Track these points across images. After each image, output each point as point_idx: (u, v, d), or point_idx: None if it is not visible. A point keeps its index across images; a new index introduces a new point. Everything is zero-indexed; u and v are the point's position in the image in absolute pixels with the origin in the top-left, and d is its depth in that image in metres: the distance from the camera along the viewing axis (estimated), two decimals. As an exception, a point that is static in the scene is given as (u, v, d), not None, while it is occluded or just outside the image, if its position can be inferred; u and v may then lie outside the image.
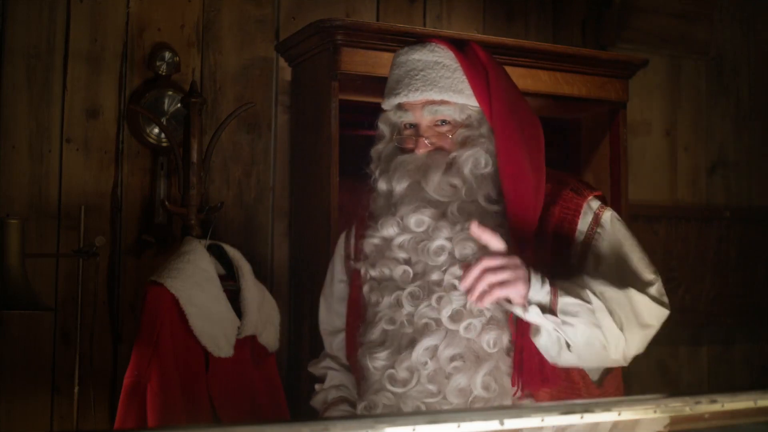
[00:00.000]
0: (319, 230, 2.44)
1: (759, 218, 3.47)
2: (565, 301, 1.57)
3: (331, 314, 1.92)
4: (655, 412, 1.14)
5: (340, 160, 2.38)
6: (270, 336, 2.21)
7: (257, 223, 2.70)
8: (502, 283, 1.53)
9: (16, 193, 2.44)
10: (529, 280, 1.56)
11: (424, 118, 1.70)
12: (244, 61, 2.71)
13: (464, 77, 1.71)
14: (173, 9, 2.63)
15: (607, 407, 1.12)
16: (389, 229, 1.68)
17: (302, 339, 2.53)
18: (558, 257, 1.70)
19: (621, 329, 1.61)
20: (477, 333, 1.60)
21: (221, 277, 2.19)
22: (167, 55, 2.57)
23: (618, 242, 1.76)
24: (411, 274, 1.65)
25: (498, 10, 3.09)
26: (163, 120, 2.53)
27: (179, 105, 2.52)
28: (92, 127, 2.53)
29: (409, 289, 1.64)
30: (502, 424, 1.05)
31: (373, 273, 1.70)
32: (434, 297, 1.61)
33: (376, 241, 1.70)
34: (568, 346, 1.58)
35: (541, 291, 1.56)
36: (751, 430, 1.24)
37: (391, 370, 1.61)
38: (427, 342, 1.60)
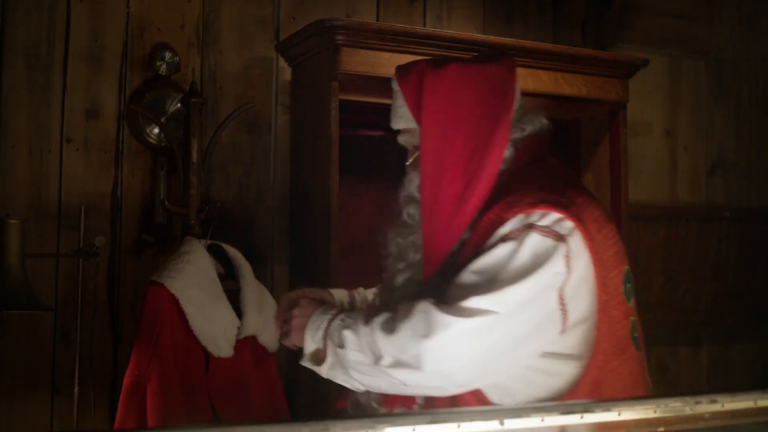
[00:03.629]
0: (319, 230, 2.44)
1: (759, 218, 3.47)
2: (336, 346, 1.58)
3: None
4: (655, 412, 1.14)
5: (340, 160, 2.38)
6: (270, 336, 2.21)
7: (257, 223, 2.70)
8: (284, 333, 1.69)
9: (16, 193, 2.44)
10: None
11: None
12: (244, 61, 2.71)
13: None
14: (173, 9, 2.63)
15: (607, 407, 1.12)
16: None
17: (302, 339, 2.53)
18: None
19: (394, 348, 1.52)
20: None
21: (221, 277, 2.19)
22: (167, 55, 2.57)
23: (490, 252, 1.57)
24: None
25: (498, 10, 3.09)
26: (163, 120, 2.53)
27: (179, 105, 2.52)
28: (92, 127, 2.53)
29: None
30: (502, 424, 1.05)
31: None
32: None
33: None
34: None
35: (315, 339, 1.61)
36: (751, 430, 1.23)
37: None
38: None
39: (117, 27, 2.57)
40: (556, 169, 1.75)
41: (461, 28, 2.98)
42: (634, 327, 1.66)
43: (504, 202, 1.60)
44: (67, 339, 2.45)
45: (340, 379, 1.61)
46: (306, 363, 1.63)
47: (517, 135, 1.71)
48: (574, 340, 1.58)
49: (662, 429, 1.15)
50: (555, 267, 1.53)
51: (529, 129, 1.74)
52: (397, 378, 1.52)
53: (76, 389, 2.33)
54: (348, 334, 1.56)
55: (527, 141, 1.73)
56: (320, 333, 1.60)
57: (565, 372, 1.58)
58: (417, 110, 1.70)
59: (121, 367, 2.48)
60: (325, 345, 1.59)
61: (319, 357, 1.61)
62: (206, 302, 2.07)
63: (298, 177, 2.68)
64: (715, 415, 1.17)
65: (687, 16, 3.33)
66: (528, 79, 2.60)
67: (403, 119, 1.74)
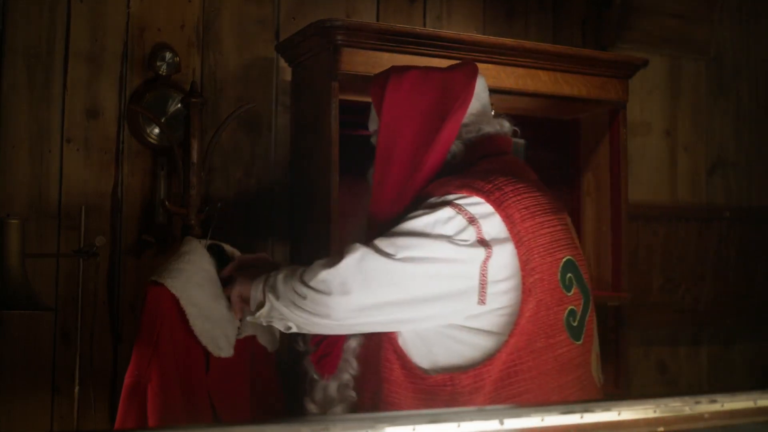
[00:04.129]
0: (319, 230, 2.44)
1: (759, 218, 3.48)
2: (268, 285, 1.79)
3: None
4: (654, 412, 1.14)
5: (340, 160, 2.38)
6: (270, 336, 2.21)
7: (257, 223, 2.70)
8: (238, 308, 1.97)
9: (16, 193, 2.45)
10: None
11: None
12: (244, 62, 2.71)
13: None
14: (173, 9, 2.63)
15: (606, 407, 1.12)
16: None
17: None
18: None
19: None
20: None
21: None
22: (167, 55, 2.57)
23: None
24: None
25: (498, 10, 3.09)
26: (163, 120, 2.53)
27: (179, 105, 2.52)
28: (92, 128, 2.53)
29: None
30: (501, 423, 1.05)
31: None
32: None
33: None
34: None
35: (257, 293, 1.81)
36: (751, 430, 1.24)
37: None
38: None
39: (117, 27, 2.57)
40: (507, 164, 1.88)
41: (461, 28, 2.98)
42: (573, 316, 1.73)
43: (437, 182, 1.77)
44: (68, 339, 2.45)
45: (276, 321, 1.79)
46: (252, 318, 1.85)
47: (472, 134, 1.88)
48: (494, 318, 1.68)
49: (662, 429, 1.15)
50: (463, 241, 1.65)
51: (486, 130, 1.90)
52: (300, 305, 1.71)
53: (77, 389, 2.33)
54: (280, 277, 1.76)
55: (483, 139, 1.89)
56: (260, 286, 1.80)
57: (483, 345, 1.68)
58: (379, 111, 1.89)
59: (122, 367, 2.48)
60: (264, 294, 1.78)
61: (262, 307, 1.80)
62: (207, 302, 2.07)
63: (298, 177, 2.68)
64: (715, 414, 1.18)
65: (687, 16, 3.33)
66: (528, 80, 2.60)
67: (373, 121, 1.95)
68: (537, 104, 2.77)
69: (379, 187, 1.85)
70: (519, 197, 1.71)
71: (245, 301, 1.88)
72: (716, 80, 3.46)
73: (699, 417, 1.17)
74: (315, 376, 1.88)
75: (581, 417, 1.10)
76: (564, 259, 1.73)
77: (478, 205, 1.68)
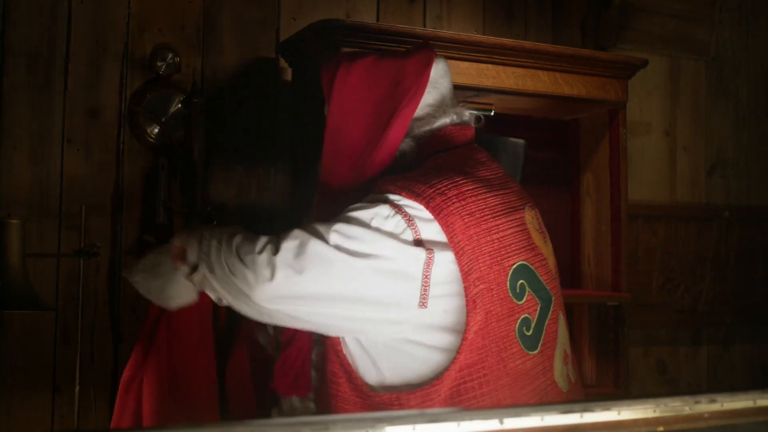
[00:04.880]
0: (320, 230, 2.44)
1: (758, 218, 3.48)
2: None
3: None
4: (654, 411, 1.14)
5: (340, 161, 2.38)
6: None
7: (257, 223, 2.70)
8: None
9: (16, 193, 2.45)
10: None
11: None
12: (245, 62, 2.71)
13: None
14: (174, 9, 2.64)
15: (606, 407, 1.12)
16: None
17: (302, 339, 2.53)
18: None
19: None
20: None
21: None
22: (168, 55, 2.57)
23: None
24: None
25: (498, 10, 3.09)
26: (164, 120, 2.54)
27: (180, 105, 2.53)
28: (93, 128, 2.54)
29: None
30: (501, 423, 1.05)
31: None
32: None
33: None
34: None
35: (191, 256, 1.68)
36: (751, 429, 1.24)
37: None
38: None
39: (118, 27, 2.57)
40: (458, 160, 1.74)
41: (461, 29, 2.98)
42: (527, 325, 1.64)
43: (381, 179, 1.67)
44: (68, 339, 2.46)
45: (209, 291, 1.67)
46: (187, 278, 1.71)
47: (424, 129, 1.76)
48: (439, 331, 1.59)
49: (661, 428, 1.15)
50: (404, 240, 1.56)
51: (441, 122, 1.77)
52: (229, 279, 1.59)
53: (77, 389, 2.34)
54: (214, 244, 1.64)
55: (436, 134, 1.76)
56: (195, 246, 1.68)
57: (432, 360, 1.59)
58: (328, 101, 1.78)
59: (122, 367, 2.48)
60: (198, 257, 1.67)
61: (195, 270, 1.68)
62: None
63: (298, 177, 2.68)
64: (715, 414, 1.18)
65: (687, 16, 3.33)
66: (527, 80, 2.60)
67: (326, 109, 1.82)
68: (537, 104, 2.78)
69: (326, 185, 1.75)
70: (463, 202, 1.60)
71: (183, 256, 1.73)
72: (716, 80, 3.47)
73: (699, 417, 1.17)
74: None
75: (581, 417, 1.10)
76: (515, 266, 1.63)
77: (416, 209, 1.59)
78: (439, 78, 1.81)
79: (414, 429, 1.01)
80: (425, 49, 1.82)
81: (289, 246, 1.56)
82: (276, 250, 1.56)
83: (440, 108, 1.79)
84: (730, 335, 3.44)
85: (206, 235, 1.68)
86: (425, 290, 1.56)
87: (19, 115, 2.46)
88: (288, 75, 2.74)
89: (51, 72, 2.50)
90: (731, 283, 3.40)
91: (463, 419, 1.03)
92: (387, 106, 1.71)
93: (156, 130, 2.55)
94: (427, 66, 1.76)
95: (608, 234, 2.82)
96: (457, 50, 2.48)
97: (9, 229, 2.09)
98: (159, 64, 2.56)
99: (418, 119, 1.76)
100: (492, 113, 2.67)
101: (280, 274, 1.53)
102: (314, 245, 1.55)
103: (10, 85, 2.46)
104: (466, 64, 2.48)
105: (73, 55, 2.52)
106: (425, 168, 1.69)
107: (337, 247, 1.55)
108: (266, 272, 1.54)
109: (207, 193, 2.56)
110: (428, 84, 1.77)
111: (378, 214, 1.58)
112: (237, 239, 1.62)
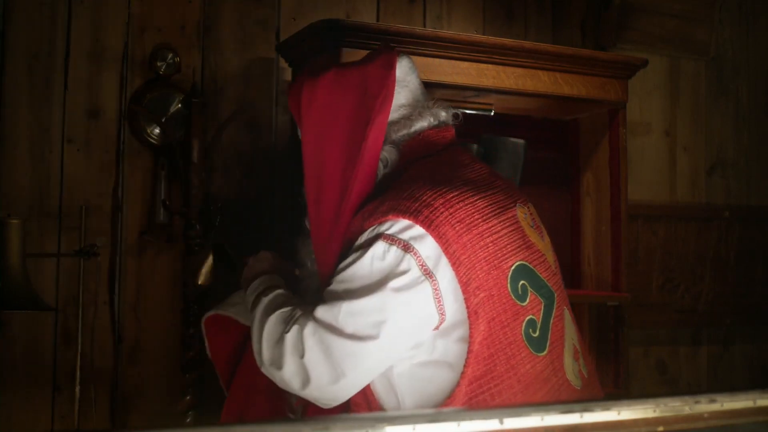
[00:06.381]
0: (320, 230, 2.44)
1: (758, 218, 3.48)
2: None
3: None
4: (654, 411, 1.14)
5: (340, 161, 2.38)
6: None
7: (257, 223, 2.70)
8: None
9: (17, 193, 2.45)
10: None
11: None
12: (245, 62, 2.71)
13: None
14: (174, 9, 2.64)
15: (606, 407, 1.12)
16: None
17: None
18: None
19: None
20: None
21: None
22: (168, 55, 2.57)
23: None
24: None
25: (498, 10, 3.09)
26: (164, 120, 2.54)
27: (180, 105, 2.53)
28: (93, 128, 2.54)
29: None
30: (501, 423, 1.05)
31: None
32: None
33: None
34: None
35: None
36: (751, 429, 1.24)
37: None
38: None
39: (118, 27, 2.57)
40: (439, 166, 1.71)
41: (461, 28, 2.98)
42: (533, 326, 1.61)
43: (365, 210, 1.62)
44: (68, 339, 2.46)
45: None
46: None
47: (403, 133, 1.72)
48: (446, 348, 1.57)
49: (661, 428, 1.15)
50: (407, 275, 1.53)
51: (419, 126, 1.73)
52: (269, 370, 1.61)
53: (77, 389, 2.34)
54: (260, 311, 1.68)
55: (415, 138, 1.72)
56: (252, 297, 1.76)
57: (443, 378, 1.58)
58: (300, 126, 1.73)
59: (122, 367, 2.48)
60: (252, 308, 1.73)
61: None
62: None
63: (298, 177, 2.68)
64: (715, 414, 1.18)
65: (687, 16, 3.33)
66: (527, 80, 2.60)
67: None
68: (537, 104, 2.78)
69: (316, 206, 1.71)
70: (451, 210, 1.57)
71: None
72: (716, 80, 3.47)
73: (699, 417, 1.17)
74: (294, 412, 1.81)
75: (581, 416, 1.10)
76: (514, 266, 1.60)
77: (408, 229, 1.55)
78: (406, 75, 1.76)
79: (414, 429, 1.01)
80: (386, 50, 1.77)
81: (311, 344, 1.55)
82: (302, 353, 1.56)
83: (414, 108, 1.75)
84: (730, 335, 3.44)
85: (259, 294, 1.75)
86: (442, 316, 1.55)
87: (20, 114, 2.46)
88: (288, 75, 2.74)
89: (51, 72, 2.50)
90: (731, 283, 3.40)
91: (463, 419, 1.03)
92: (359, 116, 1.66)
93: (156, 130, 2.55)
94: (391, 67, 1.70)
95: (608, 234, 2.82)
96: (457, 50, 2.48)
97: (9, 229, 2.09)
98: (159, 64, 2.56)
99: (394, 123, 1.72)
100: (492, 113, 2.67)
101: (314, 381, 1.55)
102: (336, 344, 1.53)
103: (10, 84, 2.46)
104: (466, 64, 2.48)
105: (73, 55, 2.52)
106: (407, 178, 1.66)
107: (356, 336, 1.53)
108: (297, 381, 1.57)
109: (207, 193, 2.56)
110: (396, 84, 1.72)
111: (374, 256, 1.55)
112: (280, 327, 1.62)
